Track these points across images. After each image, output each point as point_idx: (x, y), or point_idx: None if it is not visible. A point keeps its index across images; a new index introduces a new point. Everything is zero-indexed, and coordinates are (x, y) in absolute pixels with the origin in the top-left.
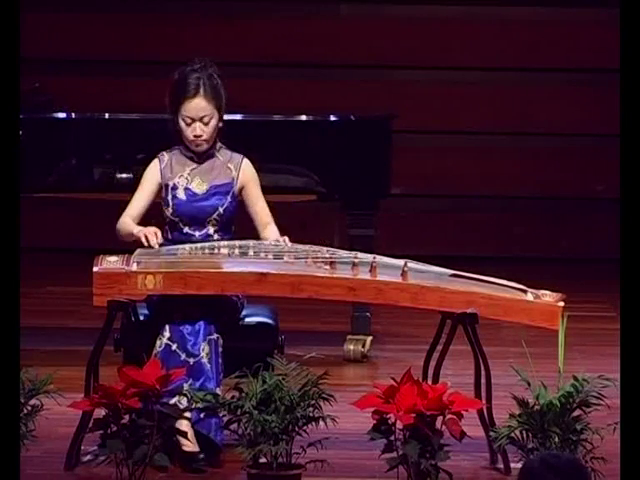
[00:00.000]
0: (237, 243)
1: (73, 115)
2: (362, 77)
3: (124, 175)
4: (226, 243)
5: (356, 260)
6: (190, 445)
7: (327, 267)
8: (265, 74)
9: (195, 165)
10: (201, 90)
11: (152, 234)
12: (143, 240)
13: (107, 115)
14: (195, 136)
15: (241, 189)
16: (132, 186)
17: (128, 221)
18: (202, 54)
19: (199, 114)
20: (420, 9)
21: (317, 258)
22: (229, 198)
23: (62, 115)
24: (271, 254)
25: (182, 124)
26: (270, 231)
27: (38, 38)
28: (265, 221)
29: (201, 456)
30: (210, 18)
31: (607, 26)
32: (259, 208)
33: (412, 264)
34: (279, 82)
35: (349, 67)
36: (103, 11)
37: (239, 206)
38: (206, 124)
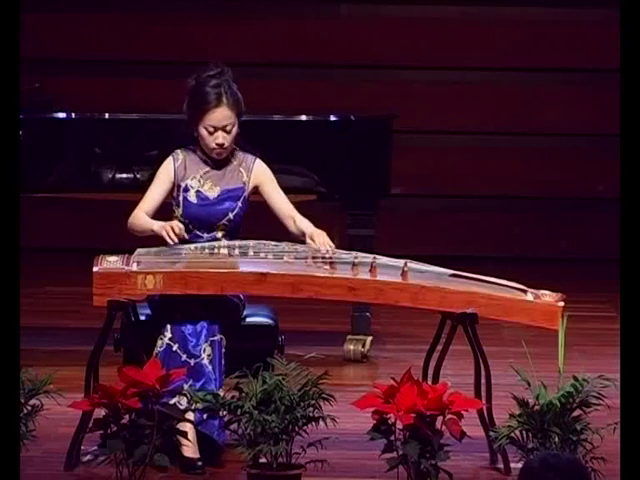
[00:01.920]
0: (237, 243)
1: (73, 115)
2: (362, 77)
3: (124, 175)
4: (226, 243)
5: (356, 260)
6: (190, 449)
7: (327, 267)
8: (265, 74)
9: (208, 168)
10: (224, 99)
11: (175, 229)
12: (165, 236)
13: (107, 115)
14: (218, 144)
15: (256, 189)
16: (132, 186)
17: (144, 216)
18: (202, 54)
19: (222, 123)
20: (420, 9)
21: (317, 258)
22: (240, 203)
23: (62, 115)
24: (271, 254)
25: (204, 132)
26: (300, 221)
27: (38, 38)
28: (288, 214)
29: (199, 463)
30: (210, 18)
31: (607, 26)
32: (278, 203)
33: (412, 264)
34: (279, 82)
35: (349, 67)
36: (103, 11)
37: (249, 209)
38: (228, 132)
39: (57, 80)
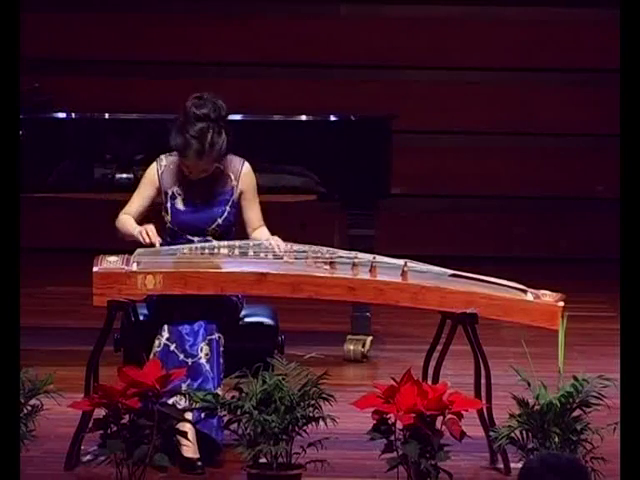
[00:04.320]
0: (237, 243)
1: (73, 115)
2: (362, 77)
3: (124, 175)
4: (226, 243)
5: (356, 260)
6: (190, 449)
7: (327, 267)
8: (265, 74)
9: None
10: (204, 156)
11: (150, 234)
12: (141, 240)
13: (107, 115)
14: (189, 174)
15: (240, 195)
16: (132, 186)
17: (129, 219)
18: (202, 54)
19: (197, 171)
20: (420, 9)
21: (317, 258)
22: (228, 208)
23: (62, 115)
24: (271, 254)
25: (180, 162)
26: (260, 232)
27: (38, 38)
28: (256, 225)
29: (199, 464)
30: (210, 18)
31: (607, 26)
32: (253, 214)
33: (412, 264)
34: (279, 82)
35: (349, 67)
36: (103, 11)
37: (238, 213)
38: (204, 172)
39: (57, 80)
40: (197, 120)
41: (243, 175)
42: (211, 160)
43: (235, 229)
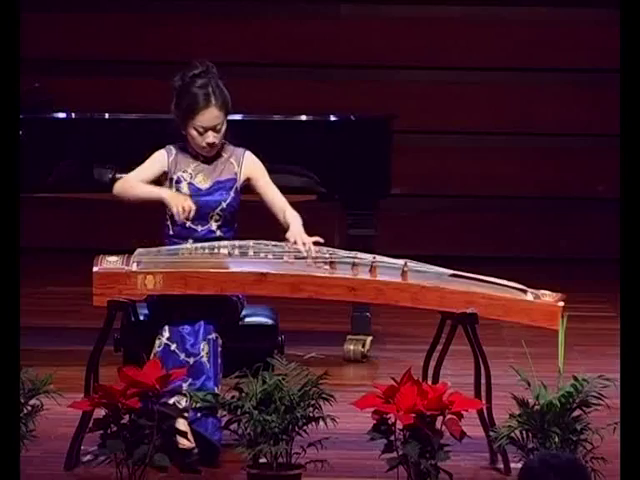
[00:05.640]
0: (237, 243)
1: (73, 115)
2: (362, 77)
3: (124, 175)
4: (226, 243)
5: (356, 260)
6: (186, 443)
7: (327, 267)
8: (265, 74)
9: (199, 162)
10: (212, 99)
11: (187, 208)
12: (176, 212)
13: (107, 115)
14: (208, 144)
15: (247, 182)
16: None
17: (143, 183)
18: (202, 54)
19: (212, 123)
20: (420, 9)
21: (317, 258)
22: (232, 193)
23: (62, 115)
24: (271, 254)
25: (194, 133)
26: (289, 215)
27: (38, 38)
28: (280, 206)
29: (195, 451)
30: (210, 18)
31: (607, 26)
32: (271, 195)
33: (412, 264)
34: (279, 82)
35: (349, 67)
36: (103, 11)
37: (242, 202)
38: (218, 131)
39: (57, 80)
40: (195, 77)
41: (246, 161)
42: (220, 105)
43: (237, 224)
